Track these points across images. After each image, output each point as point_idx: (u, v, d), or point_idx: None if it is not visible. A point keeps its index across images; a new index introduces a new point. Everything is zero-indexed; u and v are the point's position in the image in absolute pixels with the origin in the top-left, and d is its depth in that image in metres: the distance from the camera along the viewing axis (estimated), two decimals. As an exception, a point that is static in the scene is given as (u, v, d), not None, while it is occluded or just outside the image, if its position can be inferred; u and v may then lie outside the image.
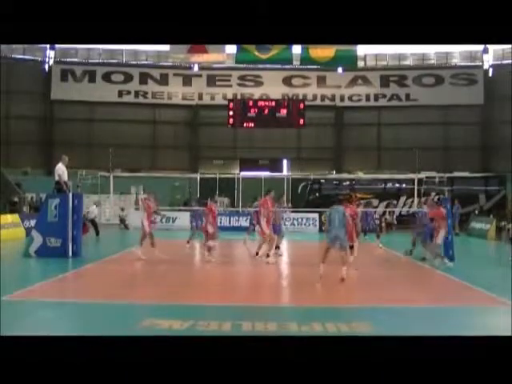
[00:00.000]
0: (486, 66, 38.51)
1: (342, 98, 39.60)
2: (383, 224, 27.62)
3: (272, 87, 39.28)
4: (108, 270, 12.91)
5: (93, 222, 21.91)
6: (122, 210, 27.63)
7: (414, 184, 28.28)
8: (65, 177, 14.96)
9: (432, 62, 39.97)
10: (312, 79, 39.81)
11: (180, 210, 28.15)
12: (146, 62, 40.05)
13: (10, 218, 21.62)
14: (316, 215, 27.60)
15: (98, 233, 21.66)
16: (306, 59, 37.98)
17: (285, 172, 36.55)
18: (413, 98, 38.97)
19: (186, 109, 39.98)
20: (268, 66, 38.93)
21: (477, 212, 28.92)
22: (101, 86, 39.09)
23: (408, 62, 40.13)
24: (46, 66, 38.95)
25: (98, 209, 24.33)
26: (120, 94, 39.39)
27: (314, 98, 39.47)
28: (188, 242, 17.37)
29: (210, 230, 14.00)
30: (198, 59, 38.65)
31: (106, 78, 39.42)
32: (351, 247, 12.59)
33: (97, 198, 29.94)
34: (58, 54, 39.23)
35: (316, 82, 39.81)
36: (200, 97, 39.69)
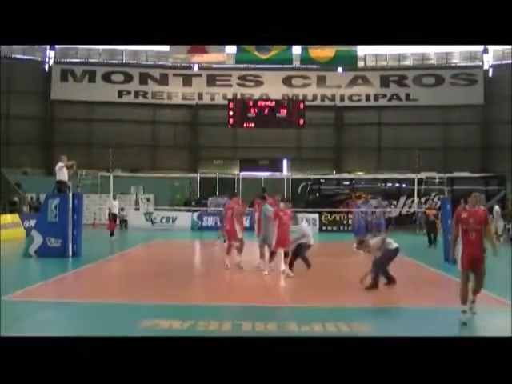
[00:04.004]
0: (486, 66, 38.48)
1: (342, 98, 39.57)
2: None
3: (272, 87, 39.25)
4: (108, 270, 12.93)
5: (114, 217, 22.47)
6: (122, 209, 27.63)
7: (414, 184, 28.22)
8: (65, 177, 14.98)
9: (432, 62, 39.94)
10: (312, 79, 39.78)
11: (180, 210, 28.20)
12: (145, 62, 40.03)
13: (9, 217, 21.64)
14: (316, 215, 27.64)
15: (112, 233, 21.80)
16: (305, 59, 37.96)
17: (285, 172, 36.53)
18: (413, 97, 38.94)
19: (186, 109, 39.94)
20: (268, 66, 38.88)
21: None
22: (101, 86, 39.05)
23: (408, 62, 40.09)
24: (46, 66, 38.90)
25: (118, 201, 24.91)
26: (120, 94, 39.35)
27: (314, 98, 39.44)
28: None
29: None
30: (198, 59, 38.63)
31: (106, 78, 39.38)
32: (285, 254, 11.81)
33: (97, 197, 30.03)
34: (58, 54, 39.18)
35: (316, 82, 39.78)
36: (200, 97, 39.66)
